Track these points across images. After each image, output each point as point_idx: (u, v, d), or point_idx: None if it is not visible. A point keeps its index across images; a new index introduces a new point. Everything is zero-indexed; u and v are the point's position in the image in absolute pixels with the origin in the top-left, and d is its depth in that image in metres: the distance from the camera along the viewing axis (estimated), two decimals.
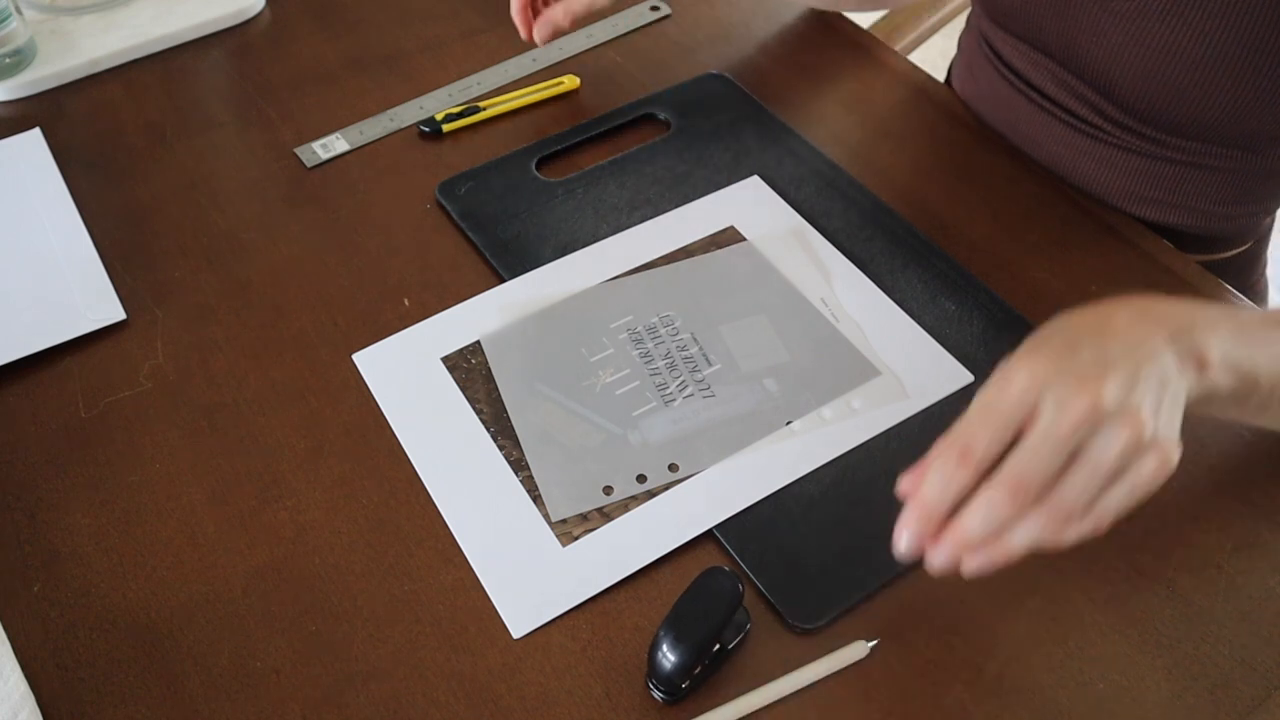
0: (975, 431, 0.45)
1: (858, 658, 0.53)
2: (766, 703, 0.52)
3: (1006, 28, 0.79)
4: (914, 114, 0.83)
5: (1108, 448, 0.44)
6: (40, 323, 0.68)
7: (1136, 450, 0.44)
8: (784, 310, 0.68)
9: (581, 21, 0.82)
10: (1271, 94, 0.66)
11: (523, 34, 0.81)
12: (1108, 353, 0.45)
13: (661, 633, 0.51)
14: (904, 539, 0.46)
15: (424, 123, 0.80)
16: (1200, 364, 0.48)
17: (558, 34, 0.80)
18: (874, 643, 0.54)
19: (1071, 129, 0.77)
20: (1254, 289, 0.87)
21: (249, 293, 0.71)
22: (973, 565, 0.46)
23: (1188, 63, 0.66)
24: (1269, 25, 0.63)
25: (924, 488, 0.45)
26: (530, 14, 0.81)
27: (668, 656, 0.50)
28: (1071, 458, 0.44)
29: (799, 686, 0.52)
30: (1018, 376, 0.45)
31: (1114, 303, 0.49)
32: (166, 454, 0.62)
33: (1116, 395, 0.44)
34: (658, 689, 0.52)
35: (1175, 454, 0.45)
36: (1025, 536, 0.45)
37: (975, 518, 0.44)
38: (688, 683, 0.51)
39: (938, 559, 0.46)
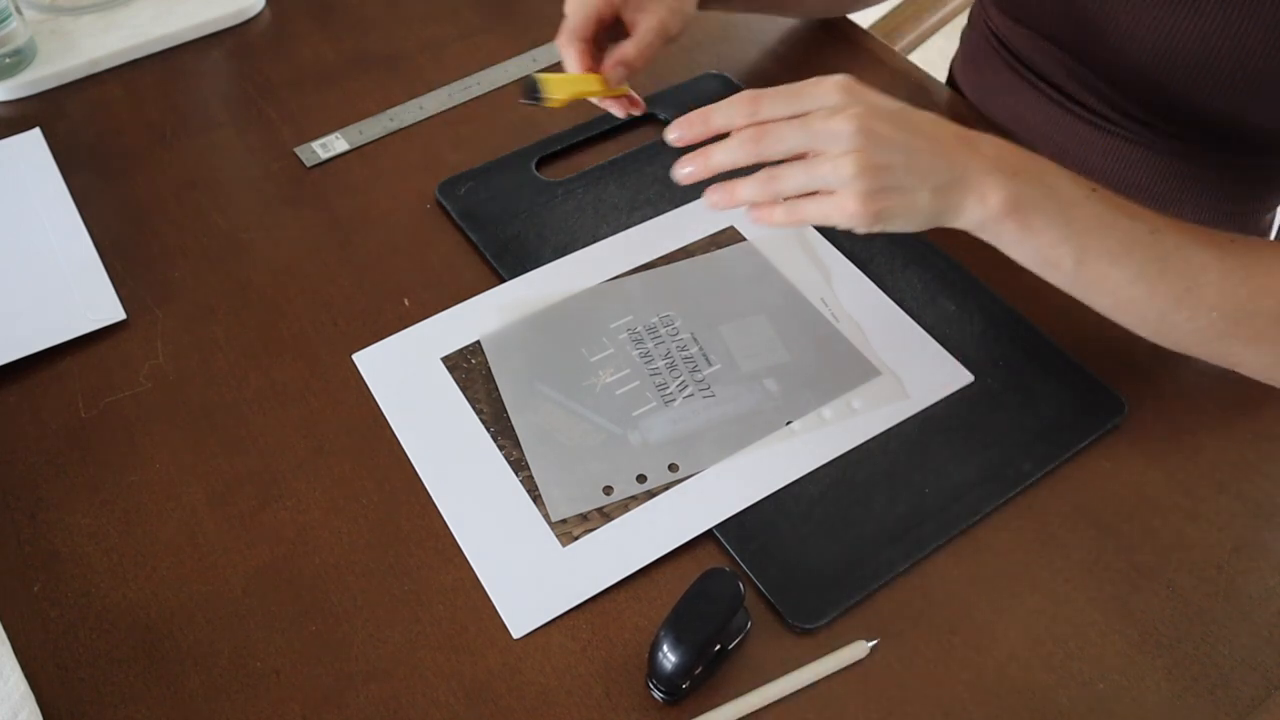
0: (774, 98, 0.54)
1: (858, 658, 0.53)
2: (766, 703, 0.52)
3: (1015, 18, 0.78)
4: None
5: (827, 156, 0.53)
6: (40, 323, 0.68)
7: (839, 175, 0.52)
8: (784, 310, 0.68)
9: (654, 57, 0.67)
10: (1276, 88, 0.66)
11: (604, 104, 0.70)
12: (914, 142, 0.54)
13: (662, 633, 0.51)
14: (683, 169, 0.58)
15: (527, 93, 0.67)
16: (1000, 210, 0.54)
17: (632, 73, 0.67)
18: (874, 642, 0.54)
19: (1079, 120, 0.77)
20: None
21: (249, 293, 0.71)
22: (688, 178, 0.57)
23: (1200, 53, 0.66)
24: (1274, 20, 0.63)
25: (712, 114, 0.55)
26: (591, 53, 0.66)
27: (668, 657, 0.50)
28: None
29: (799, 686, 0.52)
30: (837, 93, 0.54)
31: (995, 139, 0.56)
32: (166, 454, 0.62)
33: (879, 138, 0.52)
34: (658, 689, 0.52)
35: (858, 208, 0.53)
36: (746, 192, 0.56)
37: (721, 150, 0.55)
38: (688, 683, 0.51)
39: (681, 171, 0.58)
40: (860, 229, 0.54)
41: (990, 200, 0.54)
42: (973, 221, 0.55)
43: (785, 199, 0.55)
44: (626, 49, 0.66)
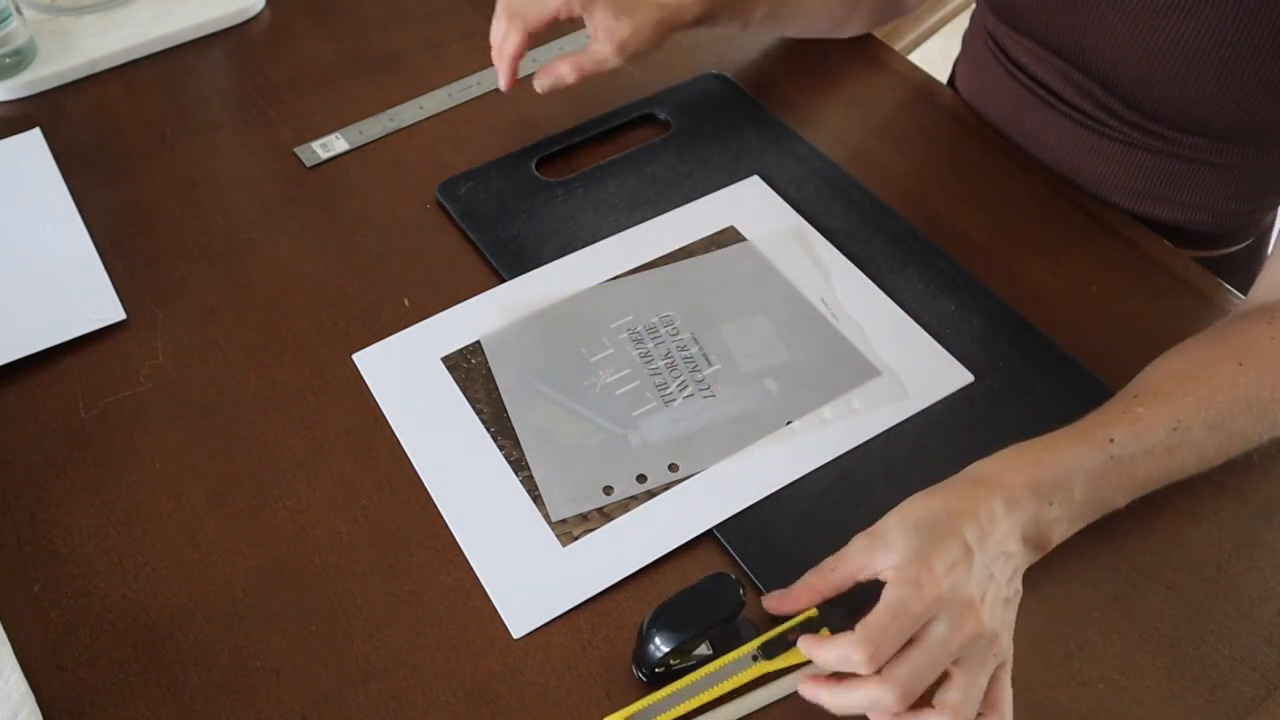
0: (887, 633, 0.47)
1: None
2: (767, 703, 0.52)
3: (1013, 24, 0.78)
4: (914, 114, 0.83)
5: (981, 662, 0.49)
6: (40, 323, 0.68)
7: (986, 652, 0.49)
8: (784, 310, 0.68)
9: (588, 77, 0.72)
10: (1276, 90, 0.66)
11: (503, 83, 0.74)
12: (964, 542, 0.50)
13: (653, 614, 0.51)
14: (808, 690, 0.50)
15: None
16: (1040, 546, 0.53)
17: (559, 87, 0.72)
18: None
19: (1077, 125, 0.77)
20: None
21: (249, 293, 0.71)
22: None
23: (1195, 58, 0.66)
24: (1273, 21, 0.63)
25: (829, 657, 0.49)
26: (517, 63, 0.73)
27: (650, 638, 0.51)
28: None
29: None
30: (927, 584, 0.48)
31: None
32: (166, 454, 0.62)
33: (992, 622, 0.49)
34: (637, 668, 0.52)
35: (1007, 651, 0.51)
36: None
37: (862, 700, 0.48)
38: (662, 669, 0.51)
39: (809, 693, 0.50)
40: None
41: (1057, 540, 0.54)
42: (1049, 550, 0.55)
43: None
44: (563, 72, 0.72)
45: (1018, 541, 0.51)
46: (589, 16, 0.71)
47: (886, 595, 0.48)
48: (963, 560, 0.49)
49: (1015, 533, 0.51)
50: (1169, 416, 0.55)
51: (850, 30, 0.86)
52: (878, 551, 0.50)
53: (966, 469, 0.54)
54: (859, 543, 0.51)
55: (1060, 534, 0.54)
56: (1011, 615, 0.51)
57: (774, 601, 0.54)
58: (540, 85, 0.73)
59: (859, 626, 0.47)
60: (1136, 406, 0.55)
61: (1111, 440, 0.54)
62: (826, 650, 0.48)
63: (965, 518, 0.50)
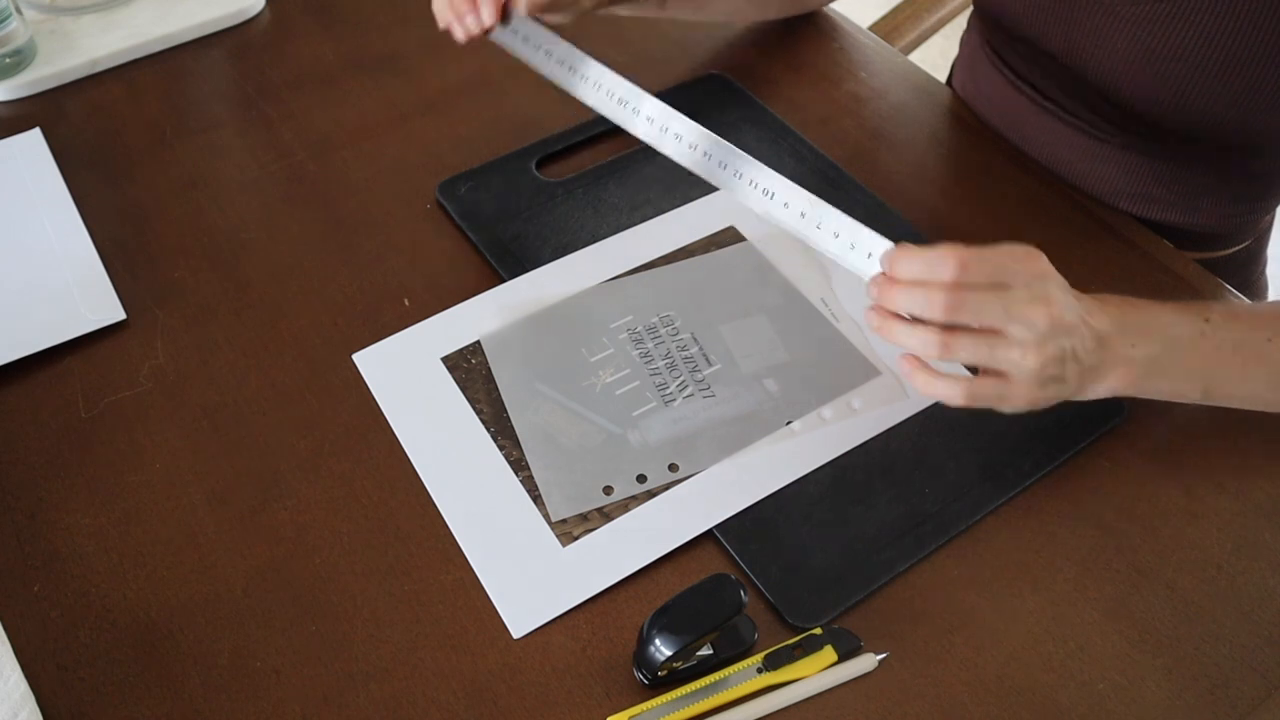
0: (979, 265, 0.50)
1: (866, 670, 0.53)
2: (772, 709, 0.52)
3: (1008, 31, 0.79)
4: (914, 114, 0.83)
5: (1013, 340, 0.51)
6: (40, 323, 0.68)
7: (1021, 365, 0.51)
8: (784, 310, 0.68)
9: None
10: (1274, 96, 0.66)
11: (454, 30, 0.62)
12: (1079, 332, 0.52)
13: (653, 616, 0.51)
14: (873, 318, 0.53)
15: None
16: (1123, 386, 0.55)
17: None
18: (883, 656, 0.53)
19: (1074, 130, 0.77)
20: (1254, 287, 0.87)
21: (249, 293, 0.71)
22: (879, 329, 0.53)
23: (1190, 66, 0.66)
24: (1272, 28, 0.63)
25: (914, 266, 0.51)
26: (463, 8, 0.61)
27: (651, 640, 0.50)
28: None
29: (805, 696, 0.52)
30: (1037, 277, 0.51)
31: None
32: (166, 454, 0.62)
33: (1060, 330, 0.51)
34: (638, 670, 0.52)
35: (1025, 397, 0.53)
36: (911, 341, 0.52)
37: (912, 304, 0.51)
38: (665, 672, 0.51)
39: (873, 320, 0.53)
40: (1008, 411, 0.54)
41: (1116, 384, 0.55)
42: (1099, 395, 0.56)
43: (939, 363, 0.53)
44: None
45: (1096, 338, 0.53)
46: None
47: (996, 248, 0.51)
48: (1061, 293, 0.51)
49: (1099, 327, 0.53)
50: (1271, 325, 0.56)
51: (770, 14, 0.86)
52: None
53: None
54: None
55: (1120, 379, 0.54)
56: (1060, 371, 0.52)
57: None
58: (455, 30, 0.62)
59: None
60: (1242, 305, 0.56)
61: (1208, 320, 0.55)
62: (914, 256, 0.50)
63: (1088, 304, 0.53)
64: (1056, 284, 0.51)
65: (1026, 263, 0.51)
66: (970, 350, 0.51)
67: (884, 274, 0.52)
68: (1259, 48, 0.64)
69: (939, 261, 0.50)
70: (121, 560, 0.58)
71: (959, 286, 0.50)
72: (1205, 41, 0.65)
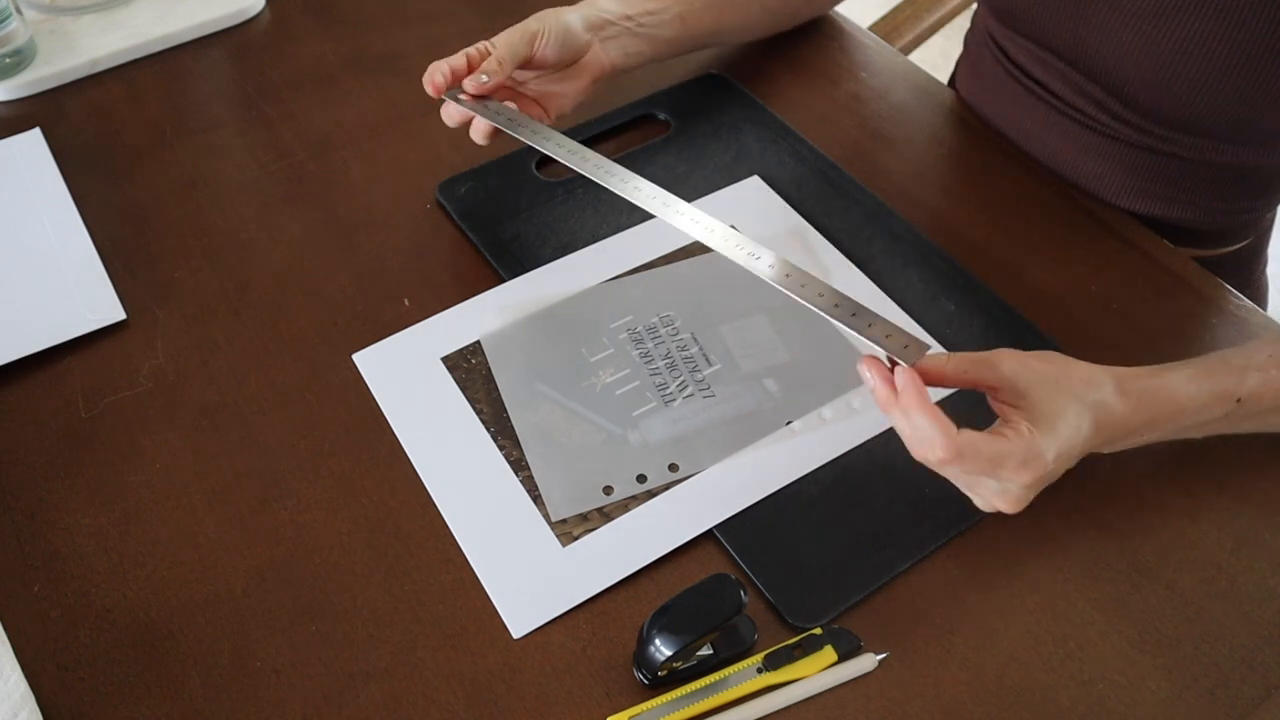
0: (975, 457, 0.50)
1: (865, 670, 0.53)
2: (772, 709, 0.52)
3: (1013, 27, 0.78)
4: (914, 114, 0.83)
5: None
6: (40, 323, 0.68)
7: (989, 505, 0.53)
8: (784, 310, 0.68)
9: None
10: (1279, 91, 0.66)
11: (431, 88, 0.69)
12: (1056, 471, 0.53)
13: (653, 616, 0.51)
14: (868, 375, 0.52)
15: None
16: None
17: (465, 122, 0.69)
18: (883, 656, 0.53)
19: (1077, 125, 0.77)
20: (1254, 286, 0.87)
21: (249, 293, 0.71)
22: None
23: (1197, 61, 0.66)
24: (1278, 23, 0.63)
25: (920, 422, 0.49)
26: (449, 82, 0.69)
27: (652, 641, 0.50)
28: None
29: (805, 696, 0.52)
30: (1030, 467, 0.50)
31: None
32: (166, 454, 0.62)
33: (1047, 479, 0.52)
34: (638, 669, 0.52)
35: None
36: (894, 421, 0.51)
37: (904, 427, 0.50)
38: (665, 672, 0.51)
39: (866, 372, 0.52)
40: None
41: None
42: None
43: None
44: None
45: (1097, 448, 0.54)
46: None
47: (999, 445, 0.50)
48: (1063, 465, 0.52)
49: (1100, 449, 0.55)
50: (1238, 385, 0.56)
51: (784, 25, 0.87)
52: (1018, 395, 0.52)
53: (1113, 372, 0.55)
54: (1009, 365, 0.52)
55: (1129, 445, 0.56)
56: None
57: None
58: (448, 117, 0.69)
59: (963, 434, 0.49)
60: (1275, 377, 0.57)
61: (1239, 401, 0.56)
62: (921, 411, 0.49)
63: (1089, 442, 0.53)
64: (1039, 485, 0.52)
65: (1018, 475, 0.50)
66: (952, 477, 0.52)
67: (889, 386, 0.50)
68: (1265, 43, 0.64)
69: (930, 445, 0.49)
70: (121, 560, 0.58)
71: (945, 464, 0.50)
72: (1212, 36, 0.65)
